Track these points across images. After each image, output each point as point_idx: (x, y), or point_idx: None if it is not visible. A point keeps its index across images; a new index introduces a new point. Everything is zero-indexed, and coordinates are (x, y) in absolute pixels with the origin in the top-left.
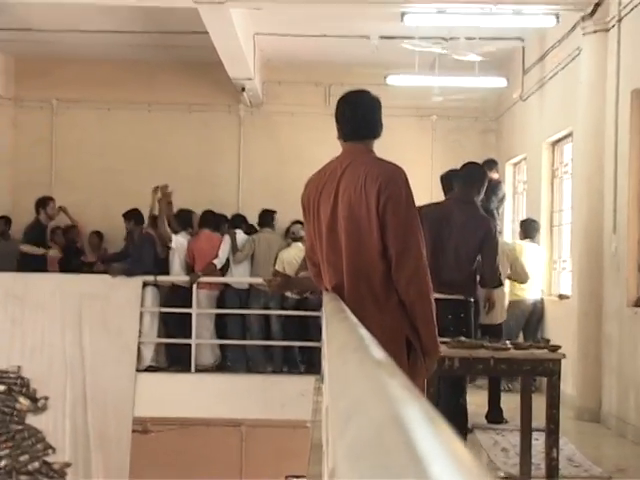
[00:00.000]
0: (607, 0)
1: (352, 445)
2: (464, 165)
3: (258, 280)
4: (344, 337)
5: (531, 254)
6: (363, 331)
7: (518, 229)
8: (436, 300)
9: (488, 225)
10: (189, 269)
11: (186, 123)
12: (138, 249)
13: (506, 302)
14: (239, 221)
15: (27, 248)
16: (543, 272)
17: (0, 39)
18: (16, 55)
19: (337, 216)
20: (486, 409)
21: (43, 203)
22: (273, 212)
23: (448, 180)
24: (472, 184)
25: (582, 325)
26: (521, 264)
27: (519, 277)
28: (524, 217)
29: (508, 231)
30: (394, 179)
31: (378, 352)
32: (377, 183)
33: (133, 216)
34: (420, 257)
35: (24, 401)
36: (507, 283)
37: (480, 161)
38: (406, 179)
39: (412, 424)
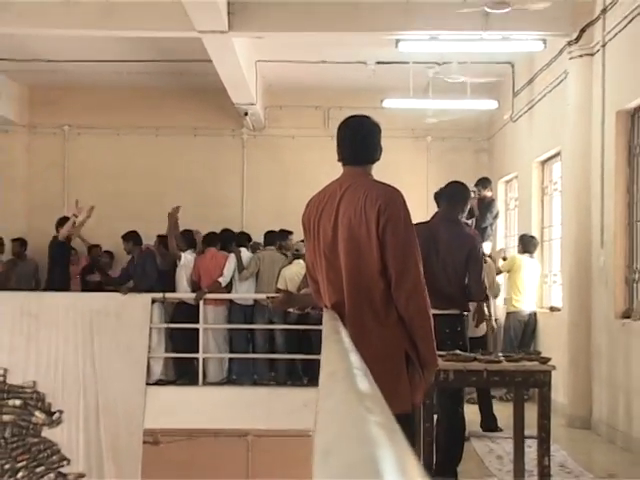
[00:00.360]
0: (592, 26)
1: None
2: (448, 184)
3: (262, 296)
4: (334, 364)
5: (529, 268)
6: (354, 357)
7: (517, 244)
8: (433, 315)
9: (473, 242)
10: (195, 286)
11: (192, 147)
12: (141, 265)
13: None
14: (243, 239)
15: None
16: (537, 285)
17: (15, 69)
18: (30, 84)
19: (337, 237)
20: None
21: (62, 223)
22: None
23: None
24: (456, 202)
25: (572, 336)
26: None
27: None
28: (516, 233)
29: (501, 246)
30: (393, 201)
31: (364, 382)
32: (377, 205)
33: (131, 237)
34: (418, 275)
35: (40, 415)
36: (502, 296)
37: (475, 179)
38: (404, 201)
39: (384, 467)
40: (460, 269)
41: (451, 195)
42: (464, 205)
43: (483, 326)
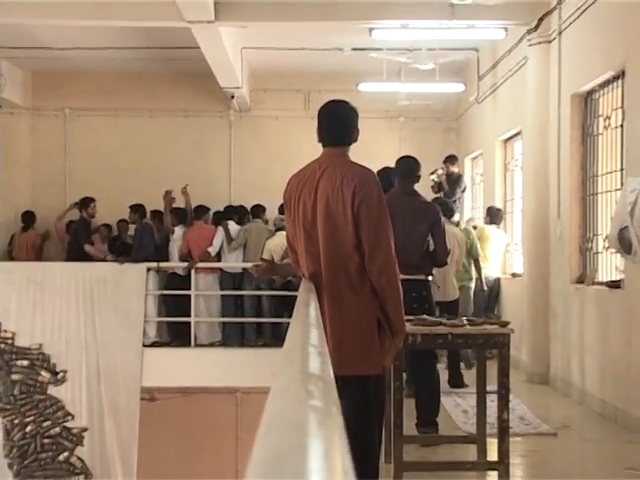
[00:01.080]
0: (549, 16)
1: (257, 463)
2: (399, 160)
3: (249, 265)
4: (294, 340)
5: (495, 238)
6: (314, 333)
7: (484, 215)
8: (403, 281)
9: (435, 210)
10: (184, 257)
11: (183, 128)
12: (139, 237)
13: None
14: (232, 213)
15: (89, 249)
16: (502, 254)
17: (19, 56)
18: (33, 70)
19: (316, 213)
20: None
21: (84, 204)
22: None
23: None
24: (410, 176)
25: (532, 300)
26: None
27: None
28: (481, 205)
29: (468, 217)
30: (367, 182)
31: (315, 362)
32: (352, 185)
33: (138, 209)
34: (389, 250)
35: (45, 374)
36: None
37: (443, 157)
38: (377, 181)
39: (311, 458)
40: (424, 236)
41: (404, 170)
42: (417, 177)
43: (453, 292)
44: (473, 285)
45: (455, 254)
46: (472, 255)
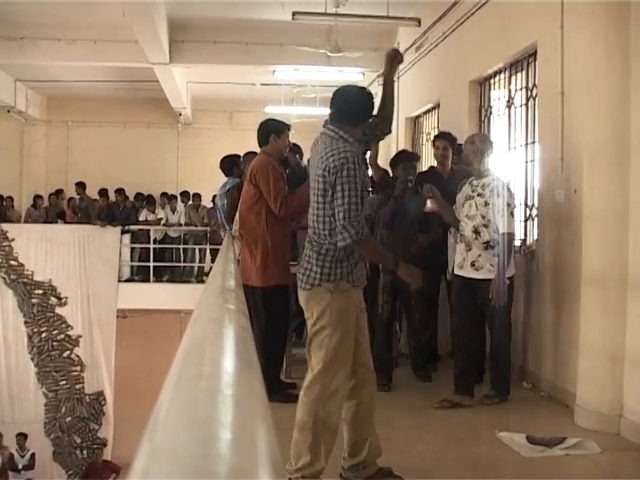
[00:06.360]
0: None
1: (186, 344)
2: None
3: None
4: (218, 268)
5: None
6: (230, 265)
7: None
8: None
9: None
10: None
11: (146, 135)
12: (126, 213)
13: None
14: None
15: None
16: None
17: (39, 86)
18: (48, 95)
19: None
20: None
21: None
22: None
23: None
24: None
25: None
26: None
27: None
28: None
29: None
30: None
31: (231, 281)
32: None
33: (123, 192)
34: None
35: (54, 299)
36: None
37: None
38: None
39: (225, 339)
40: None
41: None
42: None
43: None
44: None
45: None
46: None
